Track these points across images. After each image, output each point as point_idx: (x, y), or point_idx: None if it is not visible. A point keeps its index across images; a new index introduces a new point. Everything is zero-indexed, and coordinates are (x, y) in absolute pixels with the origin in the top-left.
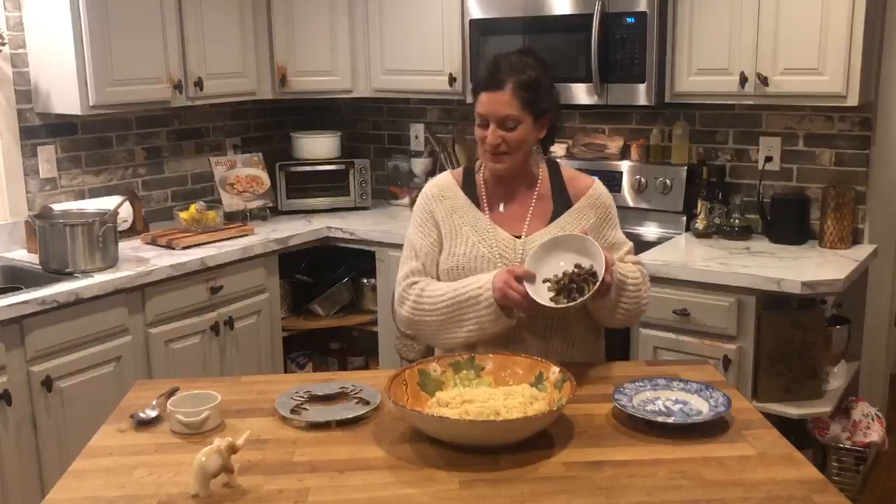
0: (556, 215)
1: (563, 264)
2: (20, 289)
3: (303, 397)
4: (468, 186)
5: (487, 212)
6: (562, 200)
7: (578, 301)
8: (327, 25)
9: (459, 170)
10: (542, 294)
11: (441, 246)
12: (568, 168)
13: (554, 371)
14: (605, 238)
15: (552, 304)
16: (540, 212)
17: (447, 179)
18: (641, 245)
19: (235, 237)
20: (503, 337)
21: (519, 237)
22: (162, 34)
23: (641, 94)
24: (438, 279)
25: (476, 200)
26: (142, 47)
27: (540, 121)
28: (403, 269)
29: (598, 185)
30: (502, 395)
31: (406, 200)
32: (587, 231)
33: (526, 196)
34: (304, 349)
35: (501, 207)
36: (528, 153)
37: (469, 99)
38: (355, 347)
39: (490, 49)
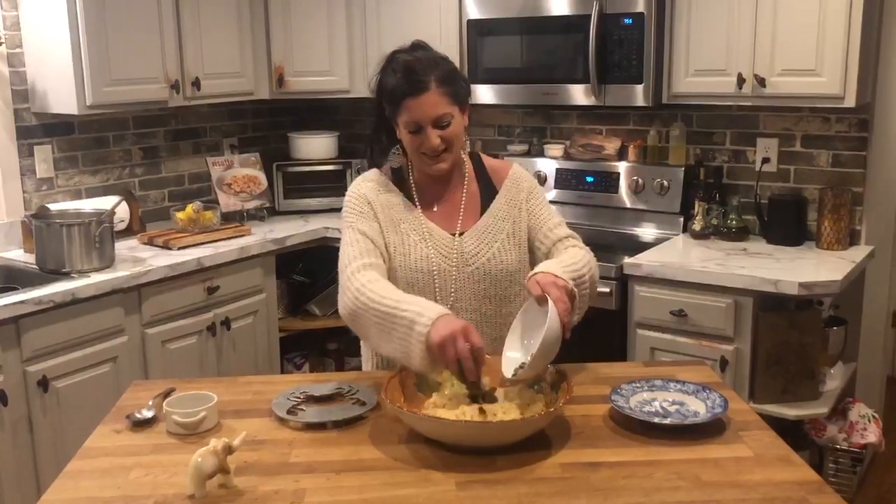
0: (485, 206)
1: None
2: (16, 289)
3: (299, 398)
4: (399, 184)
5: (422, 211)
6: (489, 190)
7: (525, 372)
8: (325, 26)
9: (386, 168)
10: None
11: (384, 237)
12: (488, 157)
13: (551, 372)
14: (530, 211)
15: (510, 376)
16: (471, 206)
17: (378, 176)
18: (638, 246)
19: (232, 237)
20: None
21: (455, 234)
22: (159, 34)
23: (639, 95)
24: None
25: (410, 199)
26: (139, 47)
27: (464, 110)
28: (348, 253)
29: (515, 168)
30: (499, 397)
31: None
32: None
33: (457, 192)
34: (300, 350)
35: (435, 207)
36: (462, 146)
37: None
38: (352, 348)
39: (488, 50)
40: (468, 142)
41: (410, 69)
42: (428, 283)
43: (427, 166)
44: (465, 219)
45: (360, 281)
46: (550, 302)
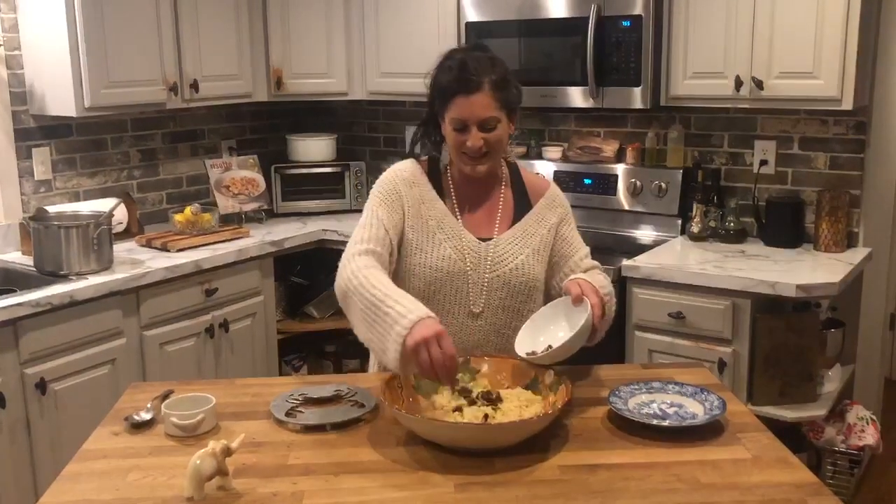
0: (517, 217)
1: (560, 334)
2: (14, 291)
3: (298, 400)
4: (434, 180)
5: (455, 212)
6: (523, 202)
7: (541, 358)
8: (323, 28)
9: (424, 160)
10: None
11: (402, 231)
12: (526, 171)
13: (549, 374)
14: (562, 237)
15: (525, 357)
16: (504, 214)
17: (415, 167)
18: (636, 248)
19: (230, 239)
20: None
21: (484, 240)
22: (157, 36)
23: (637, 98)
24: (391, 261)
25: (442, 197)
26: (137, 49)
27: (512, 117)
28: (359, 233)
29: (554, 187)
30: (502, 398)
31: None
32: (550, 229)
33: (492, 198)
34: (298, 352)
35: (467, 208)
36: (504, 152)
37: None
38: (350, 350)
39: None
40: (511, 148)
41: (465, 67)
42: (445, 283)
43: (466, 165)
44: (496, 227)
45: (357, 264)
46: (588, 304)
